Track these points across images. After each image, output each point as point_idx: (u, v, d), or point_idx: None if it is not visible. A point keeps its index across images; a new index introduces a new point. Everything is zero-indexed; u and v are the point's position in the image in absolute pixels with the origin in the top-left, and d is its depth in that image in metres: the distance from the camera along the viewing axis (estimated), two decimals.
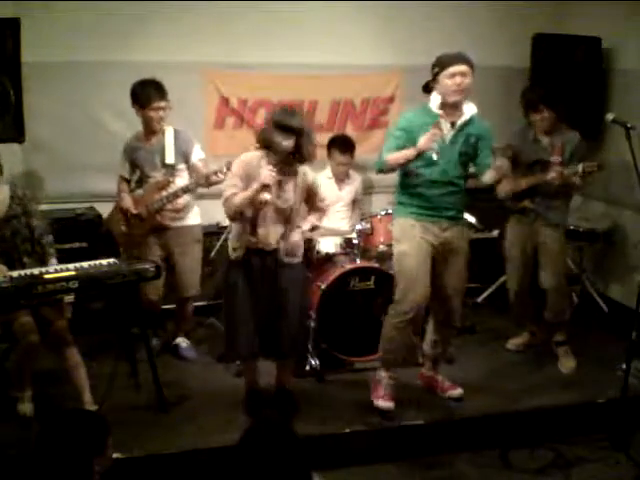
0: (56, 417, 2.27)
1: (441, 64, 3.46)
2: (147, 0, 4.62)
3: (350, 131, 5.13)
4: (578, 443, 3.59)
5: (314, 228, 3.93)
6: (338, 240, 4.33)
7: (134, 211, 4.10)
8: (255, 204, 3.29)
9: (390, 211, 4.37)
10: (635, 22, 4.76)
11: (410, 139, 3.44)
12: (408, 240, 3.55)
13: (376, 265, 4.24)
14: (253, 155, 3.40)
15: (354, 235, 4.31)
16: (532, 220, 4.16)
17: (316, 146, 3.49)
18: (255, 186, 3.25)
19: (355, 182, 4.89)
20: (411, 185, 3.55)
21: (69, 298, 3.36)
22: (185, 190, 4.06)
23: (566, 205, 4.23)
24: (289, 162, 3.37)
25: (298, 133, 3.29)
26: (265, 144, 3.35)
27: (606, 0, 4.88)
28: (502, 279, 5.17)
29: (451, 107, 3.45)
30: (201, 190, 4.14)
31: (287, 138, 3.27)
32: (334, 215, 4.71)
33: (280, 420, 2.14)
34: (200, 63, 4.81)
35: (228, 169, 3.68)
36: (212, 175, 3.93)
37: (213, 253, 4.63)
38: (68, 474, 2.10)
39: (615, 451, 3.53)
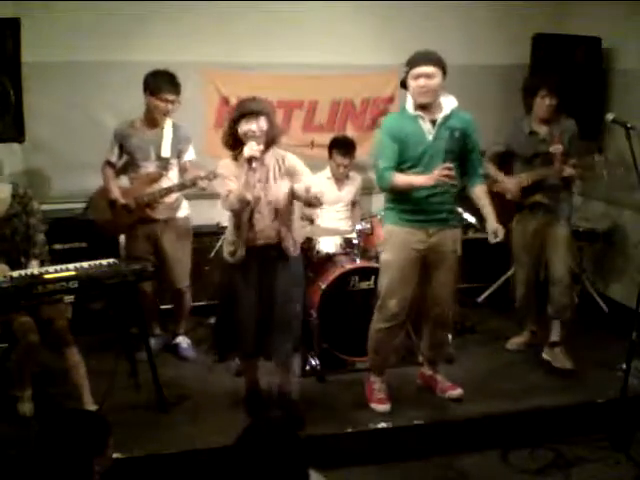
0: (56, 417, 2.27)
1: (408, 64, 3.43)
2: (147, 0, 4.62)
3: (350, 131, 5.14)
4: (578, 443, 3.59)
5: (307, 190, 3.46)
6: (338, 240, 4.34)
7: (122, 201, 4.07)
8: (251, 185, 3.25)
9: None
10: (635, 22, 4.76)
11: (401, 143, 3.42)
12: (393, 249, 3.54)
13: (376, 265, 4.23)
14: (226, 160, 3.39)
15: (354, 235, 4.32)
16: (541, 215, 4.15)
17: (279, 127, 3.49)
18: (244, 169, 3.21)
19: (355, 182, 4.89)
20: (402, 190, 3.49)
21: (69, 298, 3.36)
22: (172, 190, 4.06)
23: (571, 197, 4.26)
24: (264, 147, 3.31)
25: (261, 113, 3.28)
26: (231, 142, 3.34)
27: (606, 0, 4.88)
28: (502, 279, 5.18)
29: (424, 106, 3.42)
30: (193, 191, 4.14)
31: (254, 121, 3.25)
32: (334, 215, 4.71)
33: (279, 422, 2.13)
34: (200, 63, 4.81)
35: (215, 177, 3.69)
36: (199, 180, 3.95)
37: (213, 253, 4.63)
38: (68, 474, 2.10)
39: (615, 451, 3.53)
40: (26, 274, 3.23)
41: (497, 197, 4.27)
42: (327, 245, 4.29)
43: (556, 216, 4.14)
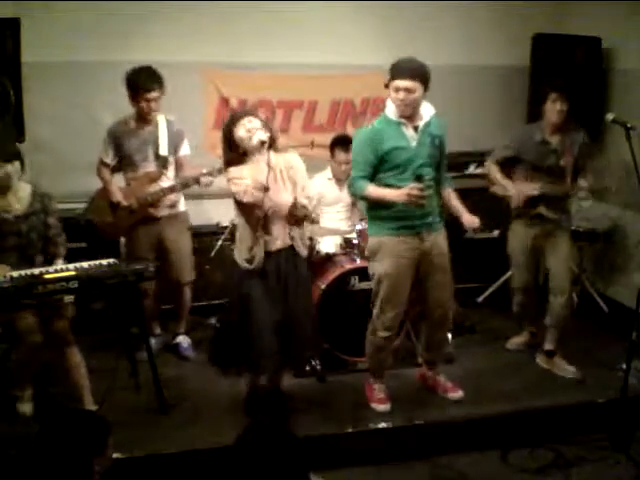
0: (56, 417, 2.27)
1: (390, 72, 3.41)
2: (147, 0, 4.62)
3: (350, 131, 5.13)
4: (578, 443, 3.59)
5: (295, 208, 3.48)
6: (338, 240, 4.34)
7: (125, 203, 4.07)
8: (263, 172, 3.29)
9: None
10: (635, 22, 4.76)
11: (382, 153, 3.41)
12: (386, 260, 3.51)
13: None
14: (235, 169, 3.39)
15: (354, 235, 4.31)
16: (542, 224, 4.08)
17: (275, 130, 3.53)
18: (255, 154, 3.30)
19: None
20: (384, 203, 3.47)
21: (69, 298, 3.36)
22: (176, 189, 4.06)
23: (570, 206, 4.23)
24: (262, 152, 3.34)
25: (250, 114, 3.35)
26: (235, 159, 3.36)
27: (606, 0, 4.88)
28: (502, 279, 5.18)
29: (408, 116, 3.42)
30: (201, 191, 4.14)
31: (247, 120, 3.31)
32: (334, 215, 4.70)
33: (276, 421, 2.13)
34: (200, 63, 4.82)
35: (219, 173, 3.70)
36: (202, 177, 3.95)
37: (213, 253, 4.63)
38: (68, 474, 2.10)
39: (615, 451, 3.53)
40: (26, 274, 3.23)
41: (490, 200, 4.28)
42: (327, 245, 4.29)
43: (558, 226, 4.09)
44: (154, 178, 4.07)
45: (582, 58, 5.00)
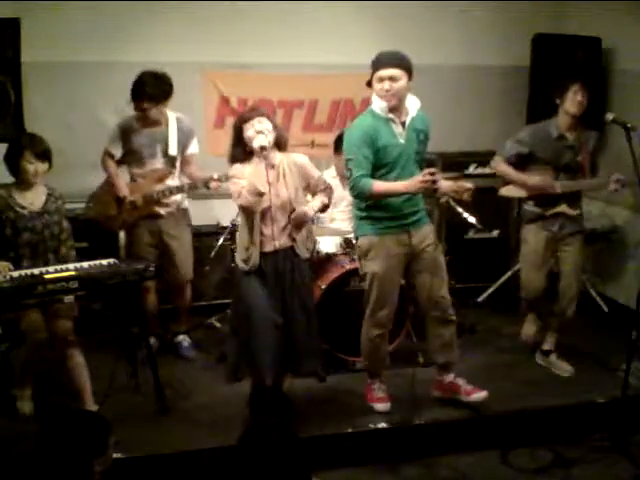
0: (57, 417, 2.27)
1: (373, 65, 3.37)
2: (147, 0, 4.62)
3: None
4: (578, 443, 3.59)
5: (325, 208, 3.52)
6: (338, 240, 4.34)
7: (131, 198, 4.07)
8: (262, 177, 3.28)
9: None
10: (635, 22, 4.76)
11: (378, 149, 3.38)
12: (378, 260, 3.49)
13: None
14: (239, 165, 3.38)
15: (354, 235, 4.31)
16: (559, 227, 4.03)
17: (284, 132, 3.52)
18: (256, 158, 3.29)
19: None
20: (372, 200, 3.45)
21: (69, 298, 3.36)
22: (183, 189, 4.08)
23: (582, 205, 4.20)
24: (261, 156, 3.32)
25: (262, 114, 3.34)
26: (241, 155, 3.37)
27: (606, 0, 4.88)
28: (502, 279, 5.18)
29: (394, 108, 3.38)
30: (202, 191, 4.14)
31: (257, 121, 3.30)
32: (338, 215, 4.70)
33: (278, 422, 2.13)
34: (200, 63, 4.82)
35: (227, 179, 3.69)
36: (210, 181, 3.97)
37: (213, 253, 4.63)
38: (68, 474, 2.10)
39: (615, 451, 3.52)
40: (26, 274, 3.24)
41: (490, 200, 4.26)
42: (327, 245, 4.29)
43: (575, 226, 4.07)
44: (162, 177, 4.09)
45: (582, 58, 4.99)
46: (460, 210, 4.52)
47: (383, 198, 3.42)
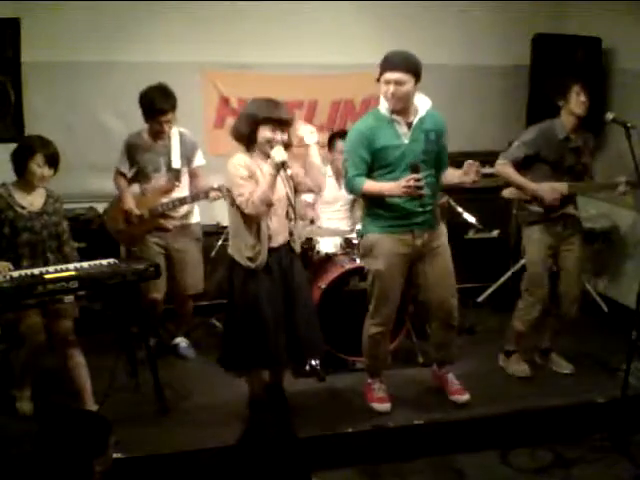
0: (57, 417, 2.27)
1: (381, 66, 3.35)
2: (147, 0, 4.62)
3: None
4: (578, 443, 3.58)
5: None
6: (338, 240, 4.34)
7: (137, 212, 4.11)
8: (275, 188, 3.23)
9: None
10: (635, 22, 4.76)
11: (374, 150, 3.39)
12: (381, 258, 3.50)
13: None
14: (241, 156, 3.32)
15: (354, 235, 4.31)
16: (562, 227, 3.99)
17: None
18: (271, 171, 3.19)
19: None
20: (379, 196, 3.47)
21: (69, 298, 3.36)
22: (186, 201, 4.11)
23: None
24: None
25: (290, 125, 3.28)
26: (246, 138, 3.28)
27: (606, 0, 4.88)
28: (502, 279, 5.18)
29: (401, 110, 3.37)
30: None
31: (280, 131, 3.24)
32: (333, 214, 4.70)
33: (278, 421, 2.13)
34: (200, 63, 4.82)
35: (228, 191, 3.70)
36: (211, 192, 4.01)
37: (213, 253, 4.63)
38: (69, 474, 2.10)
39: (615, 451, 3.52)
40: (26, 274, 3.24)
41: (490, 200, 4.23)
42: (327, 245, 4.29)
43: (576, 226, 4.05)
44: (167, 190, 4.11)
45: (582, 58, 4.99)
46: (460, 210, 4.52)
47: (378, 197, 3.44)
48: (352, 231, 4.39)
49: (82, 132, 4.64)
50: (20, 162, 3.43)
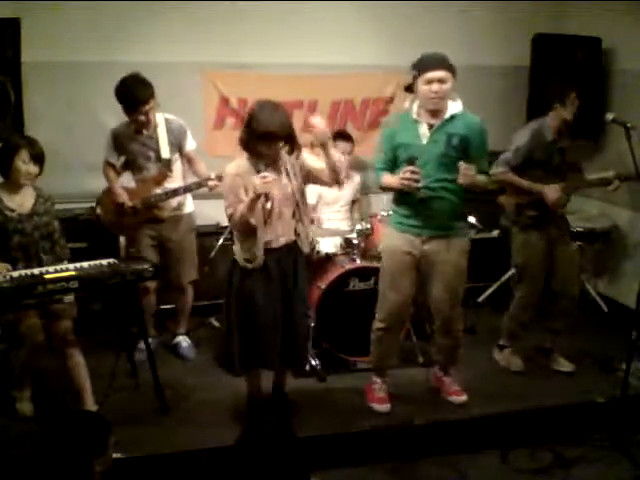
0: (57, 417, 2.27)
1: (419, 68, 3.35)
2: (147, 0, 4.62)
3: (350, 131, 5.13)
4: (578, 443, 3.58)
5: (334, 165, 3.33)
6: (338, 240, 4.34)
7: (130, 203, 4.07)
8: (256, 211, 3.20)
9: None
10: (635, 22, 4.76)
11: (394, 145, 3.44)
12: (387, 253, 3.60)
13: (376, 265, 4.23)
14: (239, 164, 3.28)
15: (354, 235, 4.31)
16: (556, 230, 4.02)
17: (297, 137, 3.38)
18: (250, 196, 3.13)
19: (354, 181, 4.89)
20: (399, 192, 3.49)
21: (69, 298, 3.36)
22: (179, 192, 4.07)
23: None
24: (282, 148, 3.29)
25: (281, 137, 3.19)
26: (249, 147, 3.25)
27: (606, 0, 4.88)
28: (502, 279, 5.18)
29: (430, 111, 3.38)
30: (201, 191, 4.14)
31: (273, 145, 3.18)
32: (333, 215, 4.71)
33: (277, 422, 2.13)
34: (200, 63, 4.82)
35: (219, 180, 3.70)
36: (204, 182, 3.99)
37: (213, 253, 4.63)
38: (69, 475, 2.10)
39: (615, 451, 3.52)
40: (26, 274, 3.23)
41: (490, 200, 4.21)
42: (327, 245, 4.29)
43: (567, 225, 4.09)
44: (159, 180, 4.07)
45: (582, 58, 5.00)
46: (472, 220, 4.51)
47: (390, 190, 3.53)
48: (352, 231, 4.39)
49: (82, 132, 4.63)
50: (5, 161, 3.40)
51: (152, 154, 4.05)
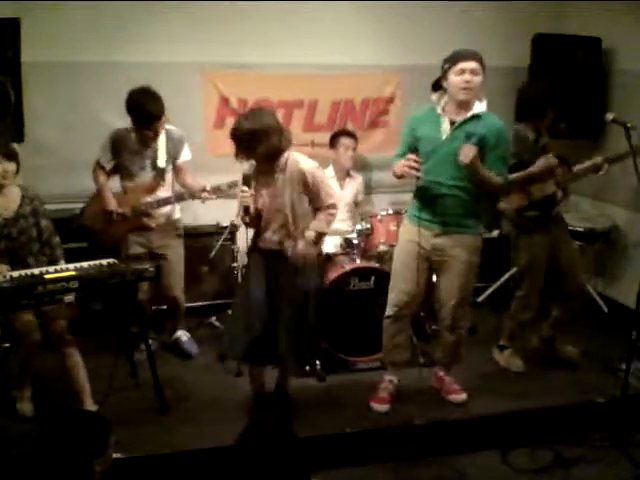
0: (57, 417, 2.27)
1: (451, 60, 3.39)
2: (147, 0, 4.62)
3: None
4: (578, 443, 3.58)
5: (320, 236, 3.49)
6: (338, 240, 4.34)
7: (120, 211, 4.04)
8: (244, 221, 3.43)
9: (390, 211, 4.40)
10: (635, 22, 4.76)
11: (416, 138, 3.46)
12: (402, 242, 3.64)
13: (376, 265, 4.24)
14: (244, 168, 3.42)
15: (354, 235, 4.31)
16: (556, 228, 4.05)
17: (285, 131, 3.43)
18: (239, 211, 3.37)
19: (356, 181, 4.90)
20: (416, 186, 3.51)
21: (69, 298, 3.36)
22: (170, 201, 4.07)
23: None
24: (270, 160, 3.34)
25: (252, 140, 3.26)
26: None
27: (606, 0, 4.88)
28: (502, 279, 5.17)
29: (458, 105, 3.38)
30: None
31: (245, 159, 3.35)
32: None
33: (278, 422, 2.13)
34: (200, 63, 4.82)
35: (214, 192, 3.83)
36: (198, 193, 3.98)
37: (213, 253, 4.63)
38: (69, 475, 2.10)
39: (615, 451, 3.52)
40: (26, 274, 3.24)
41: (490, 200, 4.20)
42: (327, 245, 4.29)
43: (565, 224, 4.12)
44: (151, 189, 4.05)
45: (582, 58, 5.00)
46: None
47: (403, 177, 3.50)
48: (352, 231, 4.39)
49: (82, 132, 4.63)
50: None
51: (148, 162, 4.03)
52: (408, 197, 3.76)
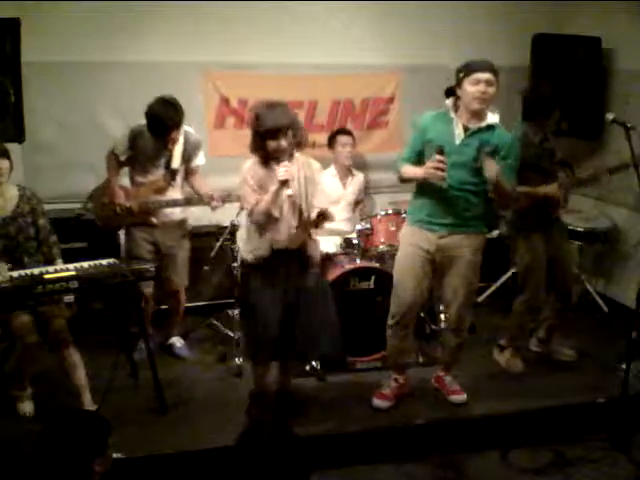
0: (56, 417, 2.27)
1: (467, 69, 3.38)
2: (147, 0, 4.62)
3: None
4: (578, 443, 3.58)
5: (323, 216, 3.37)
6: (338, 240, 4.34)
7: (127, 204, 4.06)
8: (279, 203, 3.28)
9: (390, 211, 4.39)
10: (635, 22, 4.76)
11: (425, 140, 3.44)
12: (404, 248, 3.60)
13: (376, 265, 4.24)
14: (253, 163, 3.35)
15: (354, 235, 4.31)
16: (557, 231, 4.06)
17: (304, 129, 3.45)
18: (274, 187, 3.23)
19: (358, 181, 4.90)
20: (420, 188, 3.51)
21: (69, 298, 3.36)
22: (178, 203, 4.08)
23: None
24: (291, 154, 3.33)
25: (287, 127, 3.25)
26: (259, 149, 3.31)
27: (606, 0, 4.88)
28: (502, 279, 5.18)
29: (470, 113, 3.38)
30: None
31: (282, 137, 3.23)
32: (336, 215, 4.69)
33: (279, 421, 2.13)
34: (200, 63, 4.82)
35: (223, 202, 3.79)
36: (208, 199, 3.98)
37: (213, 253, 4.63)
38: (68, 475, 2.10)
39: (615, 451, 3.52)
40: (26, 274, 3.24)
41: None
42: (327, 245, 4.29)
43: (565, 227, 4.14)
44: (161, 189, 4.07)
45: (582, 58, 5.00)
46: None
47: (410, 181, 3.50)
48: (352, 231, 4.39)
49: (82, 132, 4.64)
50: None
51: (162, 161, 4.05)
52: (408, 197, 3.75)
